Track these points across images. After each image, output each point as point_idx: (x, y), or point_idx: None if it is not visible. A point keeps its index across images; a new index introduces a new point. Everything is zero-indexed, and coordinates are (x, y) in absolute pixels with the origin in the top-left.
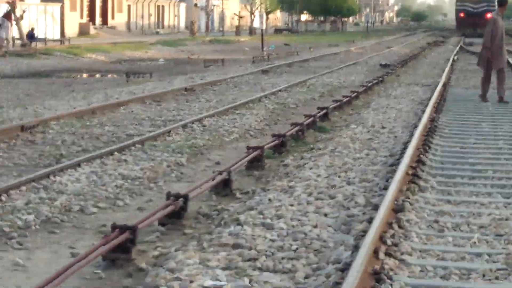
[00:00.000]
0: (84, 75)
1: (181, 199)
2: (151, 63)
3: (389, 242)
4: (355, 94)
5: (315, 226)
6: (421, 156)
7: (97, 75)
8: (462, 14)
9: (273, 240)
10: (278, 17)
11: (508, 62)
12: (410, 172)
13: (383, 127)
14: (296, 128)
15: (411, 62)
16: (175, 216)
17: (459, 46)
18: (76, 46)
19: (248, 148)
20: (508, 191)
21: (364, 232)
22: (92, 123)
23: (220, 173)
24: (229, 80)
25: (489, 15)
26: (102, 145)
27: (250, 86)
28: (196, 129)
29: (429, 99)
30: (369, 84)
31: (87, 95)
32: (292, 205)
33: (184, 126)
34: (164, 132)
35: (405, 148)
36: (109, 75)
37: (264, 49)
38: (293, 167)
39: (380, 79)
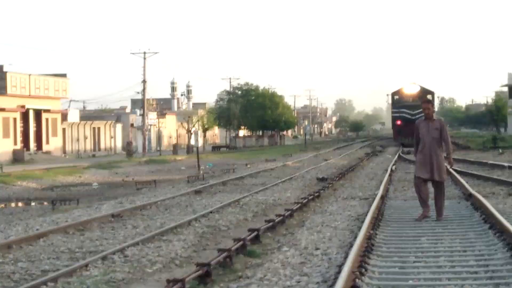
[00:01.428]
0: (13, 205)
1: None
2: (84, 188)
3: None
4: (289, 212)
5: None
6: (357, 280)
7: (24, 204)
8: (399, 122)
9: None
10: (217, 134)
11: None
12: None
13: (316, 248)
14: (223, 255)
15: (349, 174)
16: None
17: (397, 155)
18: (6, 174)
19: (168, 281)
20: None
21: None
22: (6, 259)
23: None
24: (159, 203)
25: None
26: (12, 284)
27: (181, 209)
28: (116, 260)
29: (366, 214)
30: (304, 201)
31: (7, 228)
32: None
33: (104, 258)
34: (81, 266)
35: (339, 272)
36: (36, 204)
37: (201, 167)
38: None
39: (316, 194)
